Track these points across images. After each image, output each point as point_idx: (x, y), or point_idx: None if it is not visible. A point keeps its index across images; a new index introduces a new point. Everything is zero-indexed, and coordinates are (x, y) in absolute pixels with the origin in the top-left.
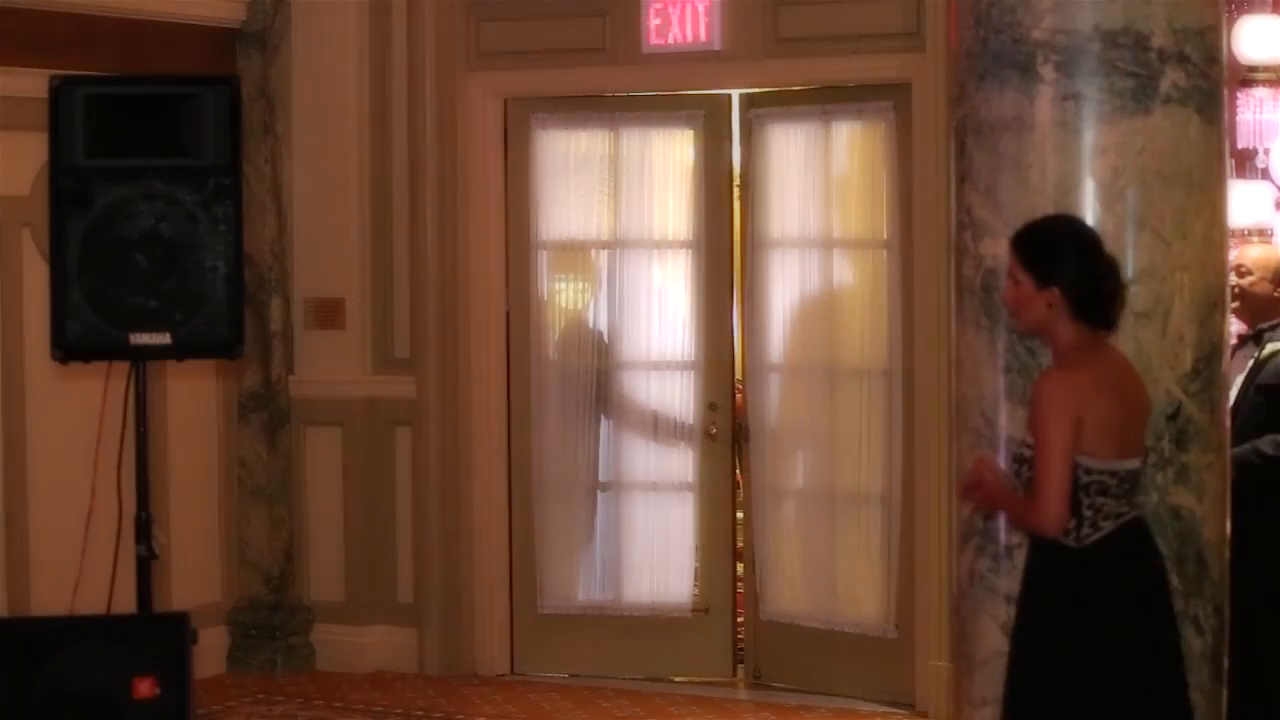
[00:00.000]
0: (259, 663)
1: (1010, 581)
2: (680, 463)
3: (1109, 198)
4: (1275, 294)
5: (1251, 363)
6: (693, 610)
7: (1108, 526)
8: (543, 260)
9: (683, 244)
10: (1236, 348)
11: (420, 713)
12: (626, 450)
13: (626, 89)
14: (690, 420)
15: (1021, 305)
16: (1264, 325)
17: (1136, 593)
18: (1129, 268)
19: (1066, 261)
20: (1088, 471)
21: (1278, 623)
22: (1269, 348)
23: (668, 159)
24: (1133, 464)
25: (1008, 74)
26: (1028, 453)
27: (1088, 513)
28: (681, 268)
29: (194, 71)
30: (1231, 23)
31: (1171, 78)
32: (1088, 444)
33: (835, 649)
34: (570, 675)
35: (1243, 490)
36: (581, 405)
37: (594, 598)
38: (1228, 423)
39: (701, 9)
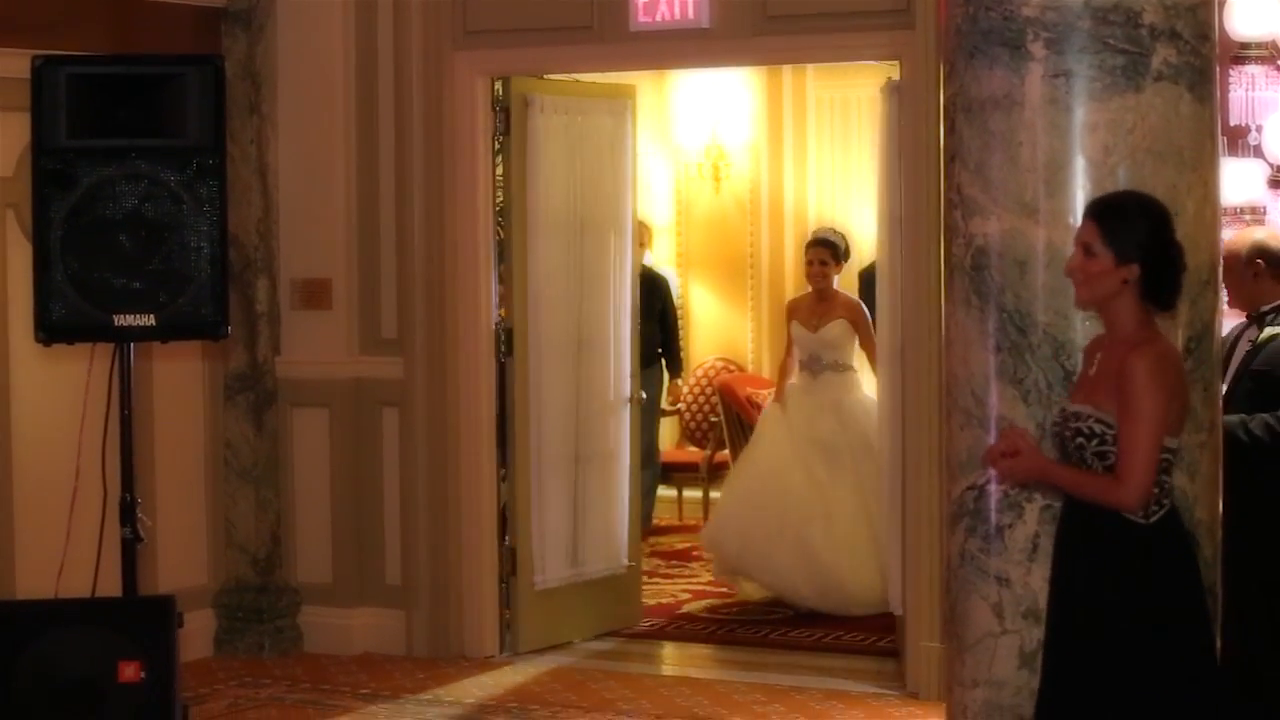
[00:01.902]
0: (246, 645)
1: (1001, 561)
2: (620, 430)
3: (1100, 176)
4: (1253, 278)
5: (1249, 346)
6: (627, 566)
7: (1167, 504)
8: (535, 238)
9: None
10: (1243, 329)
11: (408, 695)
12: (589, 422)
13: (614, 68)
14: (627, 389)
15: (1094, 279)
16: (1266, 308)
17: (1191, 564)
18: None
19: (1149, 239)
20: (1164, 450)
21: (1257, 596)
22: (1266, 332)
23: (613, 142)
24: (1180, 439)
25: (997, 51)
26: (1098, 427)
27: (1155, 490)
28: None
29: (179, 51)
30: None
31: (1163, 55)
32: (1173, 423)
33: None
34: (554, 647)
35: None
36: (564, 380)
37: (577, 568)
38: (1220, 402)
39: None
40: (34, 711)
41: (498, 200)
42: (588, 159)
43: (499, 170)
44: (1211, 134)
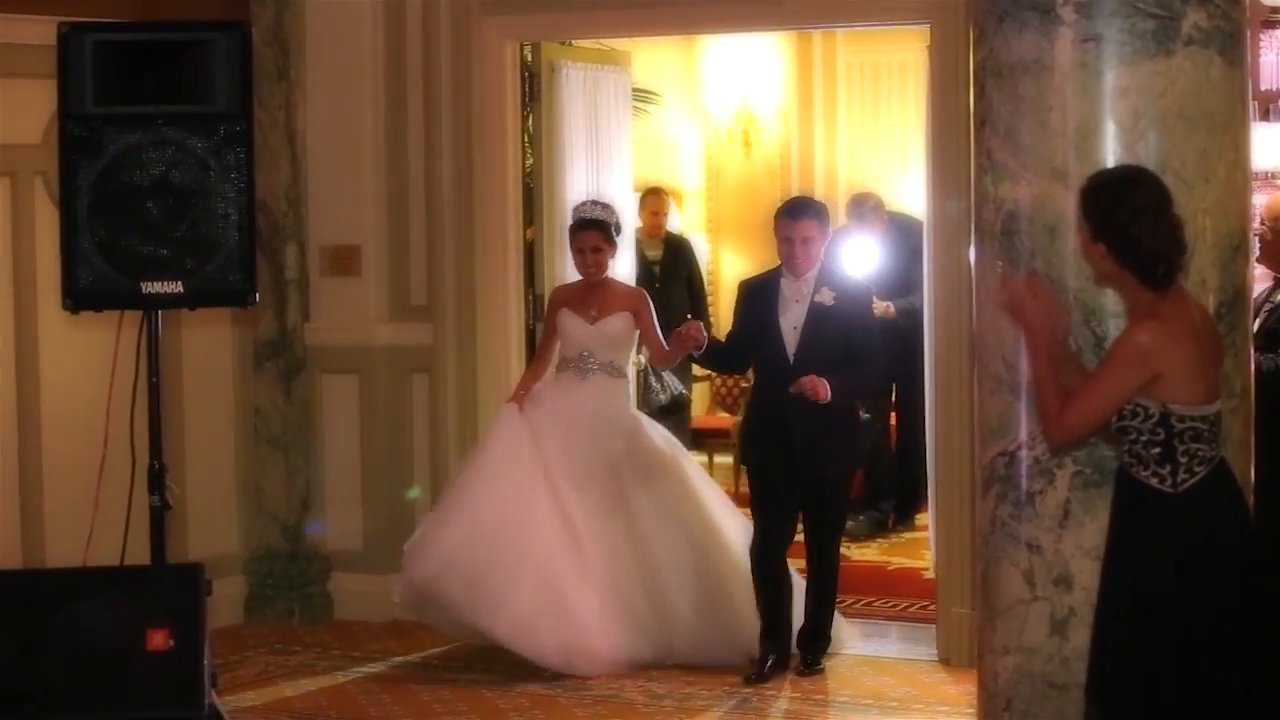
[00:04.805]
0: (276, 612)
1: (1032, 528)
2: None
3: (1130, 140)
4: None
5: (1270, 307)
6: None
7: (1202, 471)
8: (563, 203)
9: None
10: (1269, 291)
11: (438, 662)
12: None
13: (643, 32)
14: None
15: (1086, 255)
16: None
17: (1233, 532)
18: None
19: (1117, 219)
20: (1180, 419)
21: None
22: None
23: (618, 108)
24: (1218, 406)
25: (1027, 15)
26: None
27: (1183, 459)
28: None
29: (207, 17)
30: None
31: (1193, 19)
32: (1176, 393)
33: None
34: None
35: None
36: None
37: None
38: (1252, 367)
39: None
40: (62, 680)
41: (526, 165)
42: (601, 124)
43: (527, 136)
44: (1242, 98)
